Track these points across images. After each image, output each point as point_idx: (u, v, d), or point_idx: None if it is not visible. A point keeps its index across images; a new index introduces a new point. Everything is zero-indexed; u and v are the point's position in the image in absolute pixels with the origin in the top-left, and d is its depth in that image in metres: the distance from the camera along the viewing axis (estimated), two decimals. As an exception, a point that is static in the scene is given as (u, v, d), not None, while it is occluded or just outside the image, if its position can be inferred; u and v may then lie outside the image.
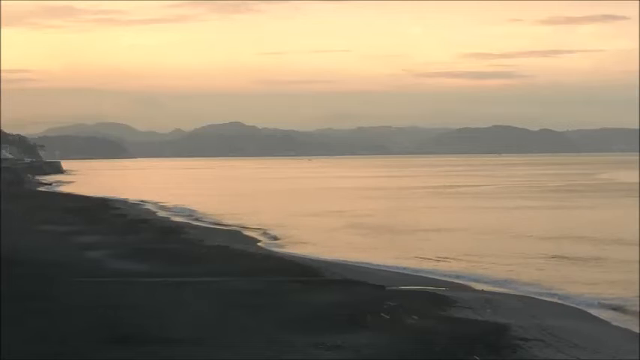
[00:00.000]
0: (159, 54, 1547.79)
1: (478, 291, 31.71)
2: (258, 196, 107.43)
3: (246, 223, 63.38)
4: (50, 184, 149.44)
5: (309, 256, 42.88)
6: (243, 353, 19.05)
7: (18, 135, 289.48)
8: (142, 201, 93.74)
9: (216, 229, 58.70)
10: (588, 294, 31.23)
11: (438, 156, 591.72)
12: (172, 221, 64.78)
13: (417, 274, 36.71)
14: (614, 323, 26.15)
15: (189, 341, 20.05)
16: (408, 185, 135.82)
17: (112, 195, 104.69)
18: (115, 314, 23.06)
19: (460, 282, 34.37)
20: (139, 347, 19.32)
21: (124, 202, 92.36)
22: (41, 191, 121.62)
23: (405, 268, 38.43)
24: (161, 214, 74.69)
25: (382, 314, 23.95)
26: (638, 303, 28.80)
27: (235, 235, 54.73)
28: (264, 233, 55.79)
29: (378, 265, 39.70)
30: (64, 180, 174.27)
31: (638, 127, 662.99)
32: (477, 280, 34.89)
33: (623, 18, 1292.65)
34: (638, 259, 39.95)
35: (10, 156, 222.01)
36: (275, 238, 53.33)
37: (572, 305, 29.20)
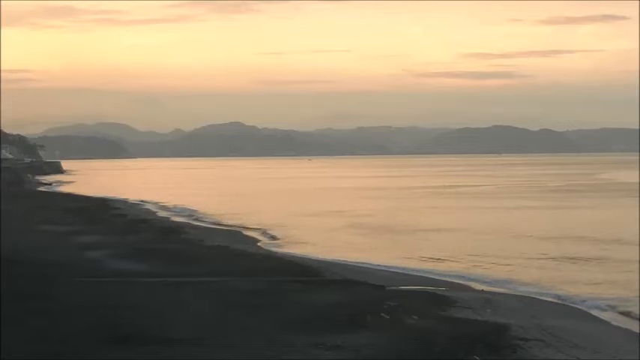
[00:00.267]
0: (159, 54, 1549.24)
1: (478, 291, 31.71)
2: (258, 196, 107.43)
3: (246, 223, 63.38)
4: (50, 184, 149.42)
5: (309, 256, 42.88)
6: (243, 353, 19.06)
7: (18, 135, 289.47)
8: (142, 201, 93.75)
9: (216, 229, 58.70)
10: (588, 294, 31.24)
11: (438, 156, 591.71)
12: (172, 221, 64.79)
13: (417, 274, 36.71)
14: (614, 323, 26.16)
15: (189, 341, 20.05)
16: (408, 185, 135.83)
17: (112, 195, 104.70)
18: (115, 314, 23.06)
19: (460, 282, 34.37)
20: (139, 347, 19.32)
21: (124, 202, 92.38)
22: (41, 191, 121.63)
23: (405, 268, 38.43)
24: (161, 214, 74.69)
25: (382, 314, 23.95)
26: (638, 303, 28.81)
27: (235, 235, 54.74)
28: (264, 233, 55.79)
29: (378, 265, 39.70)
30: (64, 180, 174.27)
31: (638, 127, 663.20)
32: (476, 280, 34.90)
33: (623, 18, 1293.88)
34: (638, 259, 39.96)
35: (10, 156, 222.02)
36: (275, 238, 53.33)
37: (572, 305, 29.20)
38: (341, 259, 41.85)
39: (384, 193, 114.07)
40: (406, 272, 37.11)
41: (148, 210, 79.73)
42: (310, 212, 74.97)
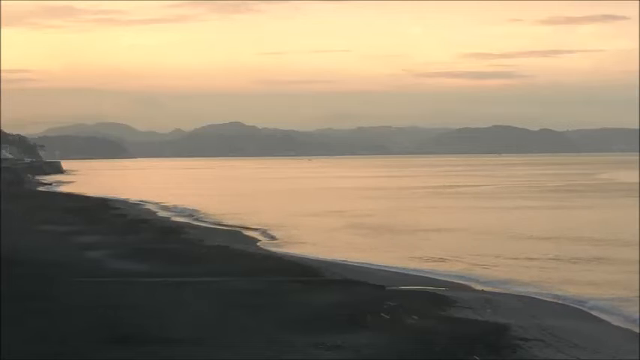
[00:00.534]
0: (159, 54, 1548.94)
1: (478, 291, 31.71)
2: (258, 196, 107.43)
3: (246, 223, 63.37)
4: (50, 184, 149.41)
5: (309, 256, 42.87)
6: (243, 353, 19.06)
7: (18, 135, 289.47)
8: (142, 201, 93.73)
9: (216, 229, 58.69)
10: (588, 294, 31.22)
11: (438, 156, 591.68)
12: (172, 221, 64.79)
13: (417, 274, 36.69)
14: (614, 323, 26.16)
15: (189, 341, 20.06)
16: (408, 185, 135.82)
17: (112, 195, 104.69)
18: (115, 314, 23.06)
19: (460, 282, 34.36)
20: (139, 347, 19.32)
21: (124, 202, 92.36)
22: (41, 191, 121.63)
23: (404, 268, 38.41)
24: (161, 214, 74.69)
25: (382, 314, 23.95)
26: (638, 303, 28.80)
27: (235, 235, 54.73)
28: (264, 233, 55.78)
29: (378, 265, 39.69)
30: (64, 180, 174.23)
31: (638, 127, 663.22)
32: (476, 280, 34.89)
33: (623, 18, 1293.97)
34: (638, 259, 39.95)
35: (10, 156, 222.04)
36: (275, 238, 53.31)
37: (572, 305, 29.19)
38: (341, 259, 41.84)
39: (384, 193, 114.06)
40: (406, 272, 37.10)
41: (148, 210, 79.73)
42: (310, 212, 74.96)
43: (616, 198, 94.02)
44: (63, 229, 52.64)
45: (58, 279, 29.99)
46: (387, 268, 38.35)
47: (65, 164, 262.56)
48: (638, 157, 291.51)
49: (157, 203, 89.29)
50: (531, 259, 41.94)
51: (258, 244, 49.46)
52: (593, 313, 27.80)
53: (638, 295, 30.35)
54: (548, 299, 30.29)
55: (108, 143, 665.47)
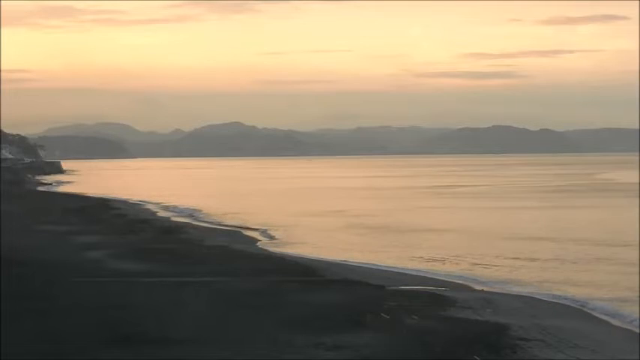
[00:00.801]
0: (159, 54, 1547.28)
1: (478, 291, 31.72)
2: (258, 196, 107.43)
3: (246, 223, 63.39)
4: (50, 184, 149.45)
5: (309, 256, 42.90)
6: (244, 353, 19.06)
7: (18, 135, 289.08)
8: (142, 201, 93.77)
9: (216, 229, 58.72)
10: (588, 294, 31.23)
11: (438, 156, 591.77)
12: (172, 221, 64.80)
13: (417, 274, 36.71)
14: (614, 323, 26.17)
15: (189, 341, 20.06)
16: (408, 185, 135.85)
17: (112, 195, 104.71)
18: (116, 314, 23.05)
19: (460, 282, 34.38)
20: (139, 347, 19.33)
21: (124, 202, 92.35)
22: (41, 191, 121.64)
23: (404, 268, 38.43)
24: (161, 214, 74.71)
25: (382, 314, 23.95)
26: (638, 303, 28.82)
27: (235, 235, 54.75)
28: (264, 233, 55.79)
29: (378, 265, 39.71)
30: (64, 180, 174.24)
31: (638, 127, 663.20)
32: (477, 280, 34.91)
33: (623, 18, 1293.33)
34: (638, 259, 39.97)
35: (10, 156, 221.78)
36: (275, 238, 53.33)
37: (572, 305, 29.20)
38: (341, 259, 41.86)
39: (384, 193, 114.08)
40: (406, 272, 37.11)
41: (148, 210, 79.74)
42: (310, 212, 74.99)
43: (616, 198, 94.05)
44: (63, 229, 52.65)
45: (58, 279, 30.00)
46: (387, 268, 38.38)
47: (65, 164, 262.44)
48: (638, 157, 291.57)
49: (157, 203, 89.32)
50: (531, 259, 41.94)
51: (258, 244, 49.47)
52: (593, 313, 27.82)
53: (638, 295, 30.38)
54: (548, 299, 30.29)
55: (108, 143, 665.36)
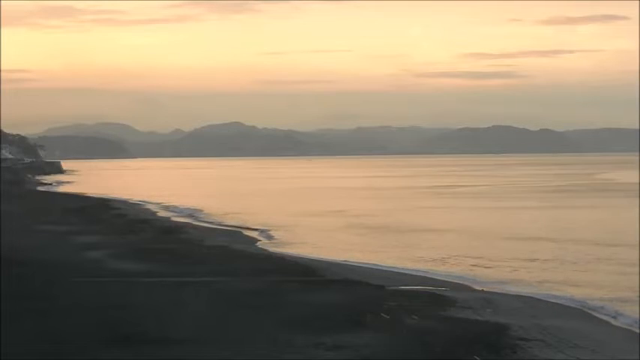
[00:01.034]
0: (159, 54, 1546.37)
1: (478, 291, 31.72)
2: (258, 196, 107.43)
3: (246, 223, 63.40)
4: (50, 184, 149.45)
5: (309, 256, 42.91)
6: (244, 353, 19.06)
7: (18, 135, 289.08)
8: (142, 201, 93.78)
9: (216, 229, 58.72)
10: (588, 294, 31.24)
11: (438, 156, 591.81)
12: (172, 221, 64.80)
13: (417, 274, 36.72)
14: (614, 323, 26.18)
15: (189, 341, 20.06)
16: (408, 185, 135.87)
17: (112, 195, 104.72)
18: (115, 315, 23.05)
19: (460, 282, 34.38)
20: (139, 347, 19.34)
21: (124, 202, 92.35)
22: (41, 191, 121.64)
23: (404, 268, 38.44)
24: (161, 214, 74.72)
25: (382, 314, 23.96)
26: (638, 303, 28.83)
27: (235, 235, 54.75)
28: (265, 233, 55.79)
29: (378, 265, 39.72)
30: (64, 180, 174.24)
31: (638, 127, 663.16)
32: (477, 280, 34.92)
33: (623, 18, 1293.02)
34: (637, 259, 39.98)
35: (10, 156, 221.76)
36: (275, 238, 53.33)
37: (572, 305, 29.20)
38: (341, 259, 41.86)
39: (383, 193, 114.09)
40: (406, 272, 37.12)
41: (148, 210, 79.75)
42: (310, 212, 75.00)
43: (616, 198, 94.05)
44: (63, 229, 52.66)
45: (58, 279, 30.00)
46: (387, 268, 38.39)
47: (65, 164, 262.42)
48: (638, 157, 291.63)
49: (157, 203, 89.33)
50: (531, 259, 41.95)
51: (258, 244, 49.48)
52: (593, 313, 27.82)
53: (638, 295, 30.39)
54: (548, 299, 30.29)
55: (108, 143, 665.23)
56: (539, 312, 26.88)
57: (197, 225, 62.17)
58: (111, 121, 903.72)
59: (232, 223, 63.32)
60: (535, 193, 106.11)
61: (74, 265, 34.75)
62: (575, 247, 47.03)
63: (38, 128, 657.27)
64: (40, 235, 49.16)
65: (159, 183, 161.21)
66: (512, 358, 19.66)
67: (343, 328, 21.74)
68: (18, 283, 28.08)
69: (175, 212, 76.53)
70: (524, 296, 30.71)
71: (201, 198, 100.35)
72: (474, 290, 31.98)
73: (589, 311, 28.11)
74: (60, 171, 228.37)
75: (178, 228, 56.76)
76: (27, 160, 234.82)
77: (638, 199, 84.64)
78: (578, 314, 27.61)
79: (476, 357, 18.98)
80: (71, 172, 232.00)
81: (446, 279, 35.12)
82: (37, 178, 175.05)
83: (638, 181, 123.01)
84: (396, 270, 37.84)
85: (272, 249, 46.14)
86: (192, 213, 74.79)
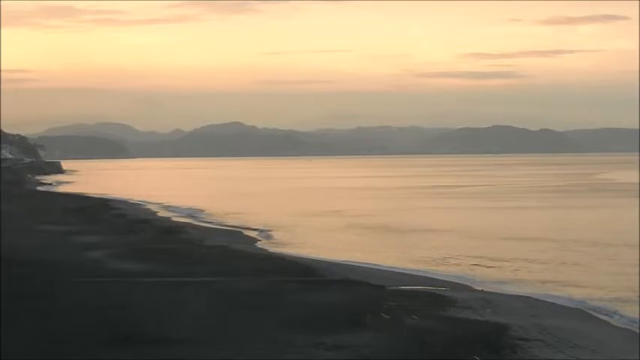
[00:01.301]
0: (159, 54, 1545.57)
1: (478, 291, 31.73)
2: (258, 196, 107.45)
3: (246, 223, 63.42)
4: (50, 184, 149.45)
5: (309, 256, 42.92)
6: (244, 353, 19.07)
7: (18, 135, 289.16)
8: (142, 201, 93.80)
9: (216, 229, 58.73)
10: (588, 294, 31.25)
11: (438, 156, 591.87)
12: (173, 221, 64.81)
13: (417, 274, 36.73)
14: (614, 323, 26.19)
15: (189, 341, 20.07)
16: (408, 185, 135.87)
17: (112, 195, 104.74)
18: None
19: (460, 282, 34.38)
20: (139, 347, 19.34)
21: (124, 202, 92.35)
22: (41, 191, 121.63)
23: (404, 268, 38.45)
24: (161, 214, 74.73)
25: (382, 314, 23.96)
26: (638, 303, 28.84)
27: (235, 235, 54.76)
28: (265, 233, 55.80)
29: (378, 265, 39.73)
30: (64, 180, 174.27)
31: (637, 127, 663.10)
32: (476, 281, 34.92)
33: (623, 18, 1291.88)
34: (637, 259, 39.99)
35: (10, 156, 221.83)
36: (275, 238, 53.34)
37: (572, 305, 29.21)
38: (341, 259, 41.87)
39: (383, 193, 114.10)
40: (406, 272, 37.13)
41: (148, 210, 79.75)
42: (310, 212, 75.01)
43: (616, 198, 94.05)
44: (63, 229, 52.67)
45: (58, 279, 30.01)
46: (387, 268, 38.40)
47: (65, 164, 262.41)
48: (637, 157, 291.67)
49: (157, 203, 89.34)
50: (531, 259, 41.96)
51: (258, 244, 49.49)
52: (593, 313, 27.83)
53: (638, 295, 30.40)
54: (548, 299, 30.30)
55: (108, 143, 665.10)
56: (539, 312, 26.89)
57: (197, 225, 62.17)
58: (111, 121, 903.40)
59: (232, 223, 63.34)
60: (535, 193, 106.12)
61: (74, 265, 34.76)
62: (575, 247, 47.03)
63: (38, 128, 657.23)
64: (40, 235, 49.16)
65: (159, 183, 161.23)
66: (512, 358, 19.66)
67: (343, 328, 21.75)
68: (18, 283, 28.09)
69: (175, 212, 76.54)
70: (524, 296, 30.71)
71: (201, 198, 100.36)
72: (474, 290, 31.99)
73: (589, 311, 28.12)
74: (60, 171, 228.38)
75: (178, 228, 56.76)
76: (27, 160, 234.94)
77: (638, 199, 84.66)
78: (578, 314, 27.62)
79: (476, 357, 18.98)
80: (71, 172, 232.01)
81: (446, 279, 35.12)
82: (37, 178, 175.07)
83: (638, 181, 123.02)
84: (396, 270, 37.85)
85: (272, 249, 46.15)
86: (192, 213, 74.82)
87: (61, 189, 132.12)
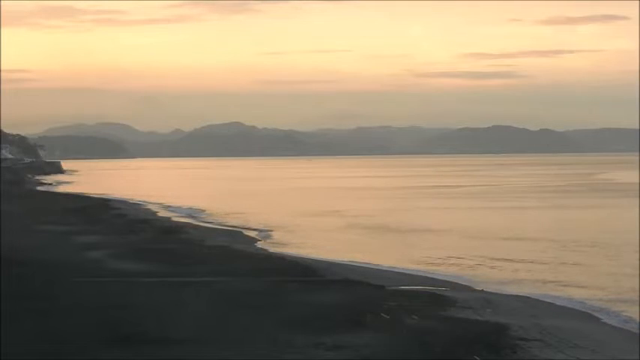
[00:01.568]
0: (159, 54, 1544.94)
1: (478, 291, 31.73)
2: (258, 197, 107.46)
3: (246, 223, 63.43)
4: (50, 184, 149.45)
5: (309, 256, 42.92)
6: (244, 353, 19.07)
7: (18, 135, 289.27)
8: (142, 201, 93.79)
9: (216, 229, 58.73)
10: (588, 294, 31.26)
11: (438, 156, 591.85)
12: (173, 221, 64.80)
13: (417, 274, 36.74)
14: (614, 323, 26.18)
15: (189, 341, 20.07)
16: (408, 185, 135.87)
17: (112, 195, 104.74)
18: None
19: (460, 282, 34.39)
20: (140, 347, 19.34)
21: (124, 202, 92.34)
22: (41, 191, 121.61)
23: (404, 268, 38.46)
24: (161, 214, 74.72)
25: (382, 314, 23.96)
26: (638, 303, 28.84)
27: (236, 235, 54.75)
28: (265, 233, 55.81)
29: (378, 265, 39.73)
30: (64, 180, 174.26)
31: (638, 127, 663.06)
32: (477, 281, 34.92)
33: (623, 18, 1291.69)
34: (638, 259, 39.99)
35: (10, 156, 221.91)
36: (275, 238, 53.34)
37: (571, 305, 29.22)
38: (341, 259, 41.87)
39: (383, 193, 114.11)
40: (406, 272, 37.13)
41: (148, 210, 79.74)
42: (310, 212, 75.02)
43: (616, 198, 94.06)
44: (63, 229, 52.66)
45: (59, 279, 30.01)
46: (387, 268, 38.40)
47: (65, 164, 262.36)
48: (637, 157, 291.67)
49: (157, 203, 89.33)
50: (531, 259, 41.96)
51: (258, 244, 49.49)
52: (593, 313, 27.83)
53: (638, 295, 30.40)
54: (547, 299, 30.31)
55: (108, 143, 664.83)
56: (539, 312, 26.89)
57: (197, 225, 62.16)
58: (111, 121, 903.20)
59: (233, 223, 63.36)
60: (535, 193, 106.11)
61: (74, 265, 34.76)
62: (575, 247, 47.04)
63: (38, 128, 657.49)
64: (40, 235, 49.16)
65: (159, 183, 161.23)
66: (512, 358, 19.67)
67: (343, 328, 21.75)
68: (18, 283, 28.09)
69: (175, 212, 76.54)
70: (525, 296, 30.72)
71: (201, 198, 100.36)
72: (474, 290, 31.99)
73: (589, 311, 28.13)
74: (60, 171, 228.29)
75: (178, 228, 56.76)
76: (27, 160, 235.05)
77: (638, 199, 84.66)
78: (578, 314, 27.63)
79: (476, 357, 18.98)
80: (71, 172, 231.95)
81: (446, 279, 35.13)
82: (37, 178, 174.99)
83: (638, 181, 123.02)
84: (396, 270, 37.86)
85: (272, 249, 46.16)
86: (192, 213, 74.83)
87: (61, 189, 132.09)
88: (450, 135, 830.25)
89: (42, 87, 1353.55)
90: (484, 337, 21.19)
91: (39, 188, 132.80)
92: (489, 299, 28.90)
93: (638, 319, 26.36)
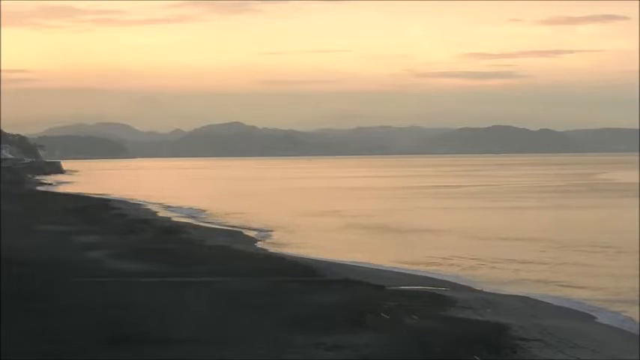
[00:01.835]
0: (159, 54, 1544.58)
1: (478, 291, 31.73)
2: (258, 197, 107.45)
3: (246, 223, 63.42)
4: (50, 184, 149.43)
5: (309, 256, 42.91)
6: (244, 353, 19.07)
7: (18, 135, 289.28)
8: (142, 201, 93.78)
9: (216, 229, 58.72)
10: (588, 294, 31.26)
11: (438, 156, 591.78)
12: (173, 221, 64.79)
13: (417, 274, 36.72)
14: (614, 323, 26.18)
15: (189, 341, 20.08)
16: (408, 185, 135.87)
17: (112, 195, 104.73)
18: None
19: (460, 282, 34.38)
20: (140, 347, 19.35)
21: (124, 202, 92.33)
22: (41, 191, 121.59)
23: (404, 268, 38.44)
24: (161, 214, 74.71)
25: (382, 314, 23.96)
26: (638, 303, 28.83)
27: (236, 235, 54.74)
28: (265, 233, 55.80)
29: (378, 265, 39.72)
30: (64, 180, 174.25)
31: (638, 127, 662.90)
32: (476, 281, 34.92)
33: (623, 18, 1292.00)
34: (637, 259, 39.98)
35: (10, 156, 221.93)
36: (275, 238, 53.33)
37: (571, 305, 29.21)
38: (341, 259, 41.86)
39: (383, 193, 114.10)
40: (406, 272, 37.12)
41: (148, 210, 79.74)
42: (310, 212, 75.00)
43: (616, 198, 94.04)
44: (63, 229, 52.66)
45: (59, 279, 30.01)
46: (387, 268, 38.38)
47: (65, 164, 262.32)
48: (637, 157, 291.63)
49: (157, 203, 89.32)
50: (531, 259, 41.94)
51: (258, 244, 49.48)
52: (593, 313, 27.82)
53: (638, 295, 30.39)
54: (547, 299, 30.31)
55: (108, 143, 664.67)
56: (539, 312, 26.89)
57: (197, 225, 62.15)
58: (111, 121, 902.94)
59: (233, 223, 63.36)
60: (535, 193, 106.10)
61: (74, 265, 34.76)
62: (574, 247, 47.03)
63: (38, 128, 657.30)
64: (40, 235, 49.16)
65: (159, 183, 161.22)
66: (512, 358, 19.67)
67: (343, 328, 21.75)
68: (18, 283, 28.09)
69: (176, 212, 76.54)
70: (525, 296, 30.71)
71: (201, 198, 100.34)
72: (474, 290, 31.99)
73: (589, 311, 28.12)
74: (60, 171, 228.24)
75: (179, 228, 56.76)
76: (27, 160, 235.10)
77: (638, 199, 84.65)
78: (578, 314, 27.63)
79: (476, 357, 18.99)
80: (71, 172, 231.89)
81: (446, 279, 35.11)
82: (37, 178, 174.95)
83: (638, 181, 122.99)
84: (396, 270, 37.84)
85: (272, 249, 46.16)
86: (192, 213, 74.82)
87: (61, 189, 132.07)
88: (450, 135, 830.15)
89: (42, 87, 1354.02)
90: (484, 337, 21.19)
91: (39, 188, 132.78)
92: (489, 299, 28.90)
93: (637, 319, 26.35)
